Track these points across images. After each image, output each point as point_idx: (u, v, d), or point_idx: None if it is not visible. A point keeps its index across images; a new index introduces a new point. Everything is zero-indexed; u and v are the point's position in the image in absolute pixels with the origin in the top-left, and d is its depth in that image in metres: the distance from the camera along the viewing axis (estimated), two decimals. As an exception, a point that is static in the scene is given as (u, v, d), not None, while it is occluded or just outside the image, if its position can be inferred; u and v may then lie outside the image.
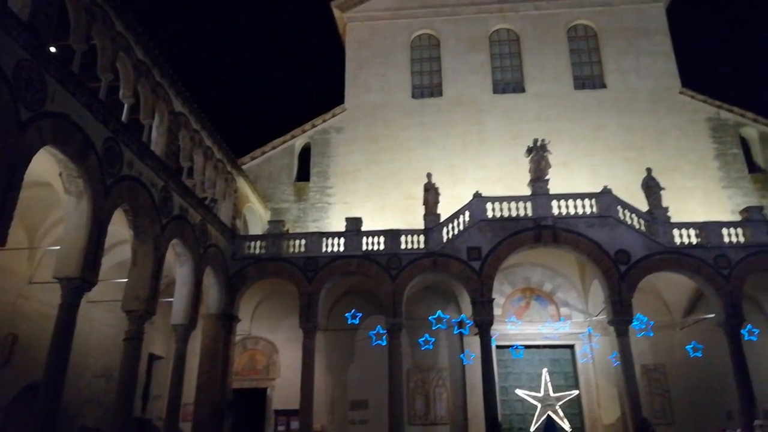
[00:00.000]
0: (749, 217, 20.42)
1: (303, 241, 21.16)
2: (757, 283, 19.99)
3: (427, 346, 20.44)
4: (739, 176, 25.68)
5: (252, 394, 22.11)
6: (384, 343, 19.73)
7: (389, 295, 19.75)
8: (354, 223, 21.25)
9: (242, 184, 23.14)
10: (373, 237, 20.85)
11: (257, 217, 25.40)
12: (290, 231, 24.50)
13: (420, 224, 21.24)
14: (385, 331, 19.72)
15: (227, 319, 20.10)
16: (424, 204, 21.61)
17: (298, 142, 28.58)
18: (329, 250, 20.82)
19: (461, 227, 20.63)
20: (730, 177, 25.67)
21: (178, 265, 17.56)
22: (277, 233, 21.59)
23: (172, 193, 16.41)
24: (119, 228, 14.70)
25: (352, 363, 22.39)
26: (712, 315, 19.42)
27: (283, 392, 21.70)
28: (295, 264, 20.51)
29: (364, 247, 20.64)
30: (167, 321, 18.59)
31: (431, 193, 21.71)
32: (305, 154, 28.58)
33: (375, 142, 27.92)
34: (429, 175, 22.13)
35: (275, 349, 22.81)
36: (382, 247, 20.61)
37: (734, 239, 19.81)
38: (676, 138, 26.54)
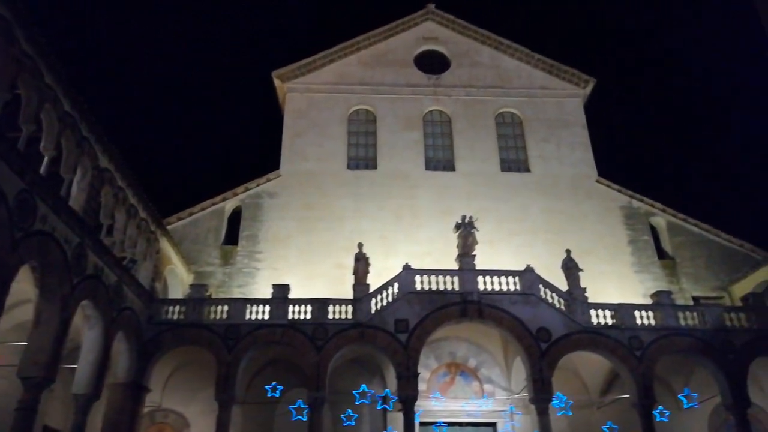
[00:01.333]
0: (659, 301, 21.63)
1: (226, 307, 20.38)
2: (667, 365, 20.92)
3: (349, 422, 19.77)
4: (649, 262, 27.40)
5: (157, 473, 20.38)
6: (305, 419, 18.93)
7: (313, 366, 19.15)
8: (281, 290, 20.79)
9: (165, 245, 22.31)
10: (300, 305, 20.40)
11: (179, 281, 24.38)
12: (214, 296, 23.63)
13: (350, 294, 21.05)
14: (307, 406, 18.96)
15: (137, 389, 18.73)
16: (354, 274, 21.54)
17: (229, 205, 28.14)
18: (253, 317, 20.13)
19: (390, 299, 20.61)
20: (642, 262, 27.34)
21: (86, 328, 16.37)
22: (198, 298, 20.73)
23: (87, 251, 15.54)
24: (23, 285, 13.66)
25: (269, 439, 21.24)
26: (627, 395, 20.00)
27: (192, 471, 20.15)
28: (215, 331, 19.63)
29: (291, 316, 20.13)
30: (67, 390, 17.03)
31: (362, 263, 21.72)
32: (235, 219, 28.11)
33: (308, 209, 27.94)
34: (360, 245, 22.21)
35: (186, 423, 21.34)
36: (309, 316, 20.16)
37: (646, 321, 20.80)
38: (594, 223, 28.20)
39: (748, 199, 60.32)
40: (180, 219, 27.11)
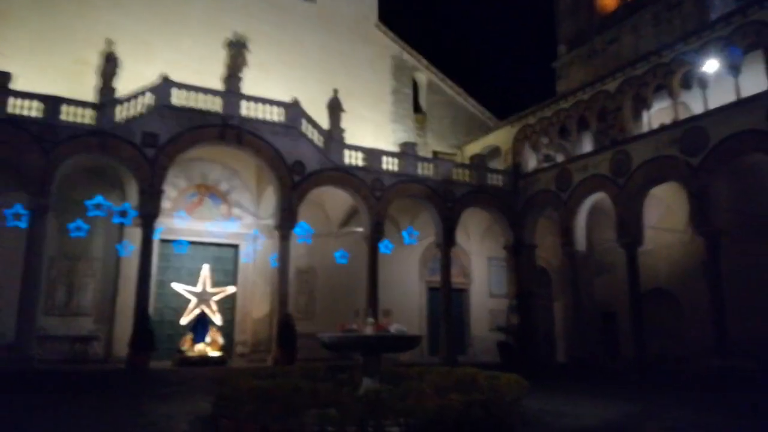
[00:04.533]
0: (405, 151, 23.81)
1: None
2: (399, 206, 23.69)
3: (79, 233, 18.40)
4: (405, 114, 29.53)
5: None
6: (25, 226, 17.04)
7: (38, 171, 16.93)
8: (-1, 78, 17.27)
9: None
10: (24, 99, 17.33)
11: None
12: None
13: (91, 96, 18.52)
14: (27, 212, 17.01)
15: None
16: (100, 75, 18.82)
17: (-76, -48, 21.40)
18: (-43, 105, 16.53)
19: (141, 109, 18.77)
20: (399, 113, 29.34)
21: None
22: None
23: None
24: None
25: (-24, 245, 18.77)
26: (361, 229, 22.34)
27: None
28: None
29: (11, 110, 17.05)
30: None
31: (111, 64, 18.99)
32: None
33: (47, -16, 22.79)
34: (111, 42, 19.24)
35: None
36: (36, 113, 17.35)
37: (390, 167, 22.86)
38: (364, 69, 28.78)
39: (498, 73, 67.86)
40: None
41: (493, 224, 26.16)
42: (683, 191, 19.08)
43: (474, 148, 28.80)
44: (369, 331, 9.89)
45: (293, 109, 21.16)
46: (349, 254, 22.45)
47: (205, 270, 20.27)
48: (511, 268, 25.25)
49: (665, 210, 21.95)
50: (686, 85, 20.42)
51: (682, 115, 20.04)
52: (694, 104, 20.36)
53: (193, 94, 19.60)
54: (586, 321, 22.62)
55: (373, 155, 22.65)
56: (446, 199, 23.57)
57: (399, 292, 24.83)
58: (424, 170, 23.80)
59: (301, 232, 20.93)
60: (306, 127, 21.39)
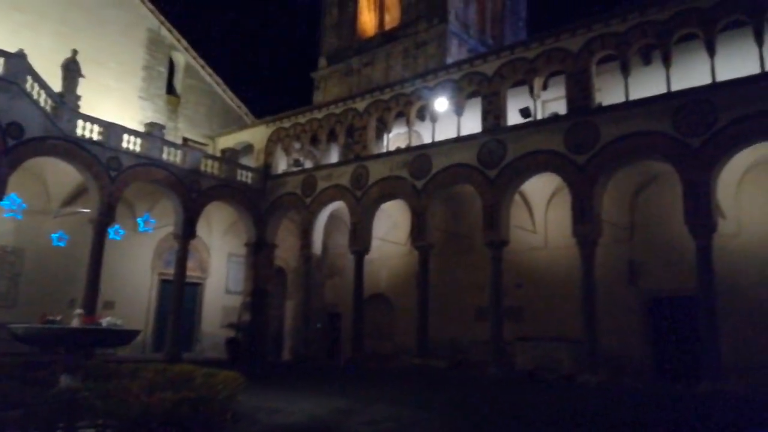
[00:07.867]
0: (151, 132, 22.29)
1: None
2: (138, 190, 22.04)
3: None
4: (157, 93, 27.53)
5: None
6: None
7: None
8: None
9: None
10: None
11: None
12: None
13: None
14: None
15: None
16: None
17: None
18: None
19: None
20: (150, 91, 27.21)
21: None
22: None
23: None
24: None
25: None
26: (89, 210, 20.14)
27: None
28: None
29: None
30: None
31: None
32: None
33: None
34: None
35: None
36: None
37: (132, 147, 21.11)
38: (115, 34, 26.01)
39: (262, 72, 67.82)
40: None
41: (238, 221, 26.01)
42: (408, 209, 21.64)
43: (227, 141, 28.31)
44: (75, 323, 9.01)
45: (17, 61, 18.07)
46: (69, 237, 19.96)
47: None
48: (250, 266, 25.40)
49: (392, 224, 24.60)
50: (421, 116, 23.25)
51: (415, 143, 22.78)
52: (426, 134, 23.31)
53: None
54: (314, 320, 23.96)
55: (112, 130, 20.64)
56: (191, 189, 22.70)
57: (127, 283, 23.05)
58: (171, 156, 22.56)
59: (9, 205, 17.94)
60: (32, 86, 18.47)
